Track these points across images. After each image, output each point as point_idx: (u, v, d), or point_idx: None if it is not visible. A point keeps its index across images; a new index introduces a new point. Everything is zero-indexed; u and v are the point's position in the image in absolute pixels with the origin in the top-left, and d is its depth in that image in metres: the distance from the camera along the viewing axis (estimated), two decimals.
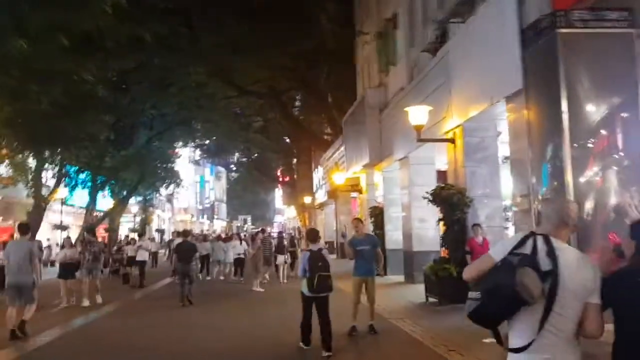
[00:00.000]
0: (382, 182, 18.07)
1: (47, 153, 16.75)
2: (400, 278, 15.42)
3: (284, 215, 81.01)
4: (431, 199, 11.02)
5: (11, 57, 9.26)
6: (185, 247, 13.49)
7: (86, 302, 12.78)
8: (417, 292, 12.17)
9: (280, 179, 50.41)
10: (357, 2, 21.59)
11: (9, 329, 8.73)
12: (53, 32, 9.46)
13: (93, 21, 9.99)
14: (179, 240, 23.17)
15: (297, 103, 31.56)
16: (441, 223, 11.18)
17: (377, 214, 17.87)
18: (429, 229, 14.70)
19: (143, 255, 17.81)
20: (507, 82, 8.68)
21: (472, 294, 2.48)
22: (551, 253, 2.46)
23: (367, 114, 17.67)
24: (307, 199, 35.84)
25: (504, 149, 11.16)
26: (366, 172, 19.60)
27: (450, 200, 10.48)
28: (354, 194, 25.01)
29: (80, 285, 13.13)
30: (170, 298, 13.49)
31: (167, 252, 24.26)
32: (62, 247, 13.12)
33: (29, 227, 9.82)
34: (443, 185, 11.03)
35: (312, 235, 7.91)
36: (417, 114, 10.85)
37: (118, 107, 26.49)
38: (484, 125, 10.63)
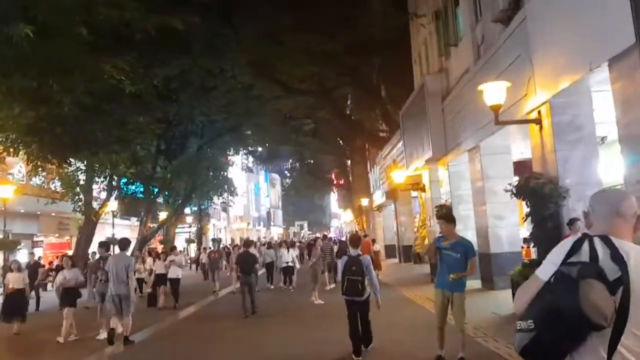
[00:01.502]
0: (447, 178, 16.35)
1: (72, 160, 15.79)
2: (476, 284, 13.68)
3: (341, 220, 79.62)
4: (515, 191, 9.29)
5: (25, 54, 8.30)
6: (247, 258, 13.40)
7: (103, 335, 10.33)
8: (500, 300, 10.61)
9: (335, 182, 49.03)
10: None
11: (124, 336, 9.68)
12: (69, 20, 8.48)
13: (115, 9, 8.97)
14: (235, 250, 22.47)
15: (348, 100, 30.02)
16: (528, 220, 9.44)
17: (437, 214, 16.15)
18: (506, 227, 13.01)
19: (176, 272, 15.57)
20: (611, 41, 6.94)
21: (521, 324, 2.04)
22: (616, 256, 2.02)
23: (427, 103, 16.01)
24: (364, 201, 34.27)
25: (599, 129, 9.37)
26: (429, 168, 17.90)
27: (541, 191, 8.73)
28: (415, 193, 23.34)
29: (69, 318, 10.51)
30: (214, 320, 12.41)
31: (226, 262, 23.34)
32: (60, 268, 11.02)
33: (129, 242, 10.86)
34: (529, 174, 9.27)
35: (354, 241, 8.19)
36: (494, 91, 9.17)
37: (167, 117, 26.00)
38: (575, 100, 8.85)
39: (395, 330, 9.36)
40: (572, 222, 8.38)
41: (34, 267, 16.86)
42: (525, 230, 14.18)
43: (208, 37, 19.83)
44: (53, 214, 27.66)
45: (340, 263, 7.77)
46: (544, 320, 2.02)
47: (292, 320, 11.99)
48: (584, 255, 2.11)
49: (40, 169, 14.43)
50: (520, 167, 13.38)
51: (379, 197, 31.45)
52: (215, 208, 47.33)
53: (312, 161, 45.52)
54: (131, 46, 12.11)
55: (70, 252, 23.40)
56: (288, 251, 18.63)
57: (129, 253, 10.97)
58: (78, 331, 10.74)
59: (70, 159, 14.74)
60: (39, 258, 18.06)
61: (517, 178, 10.06)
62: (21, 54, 8.46)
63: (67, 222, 28.57)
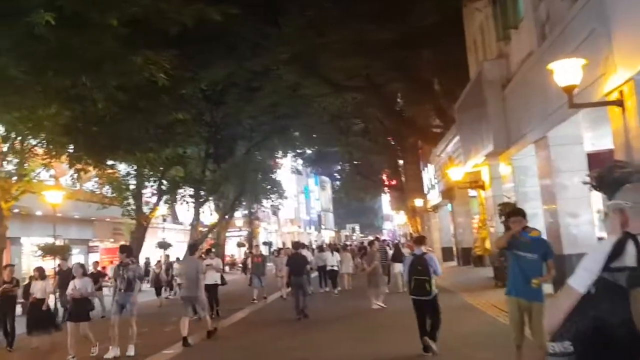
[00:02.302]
0: (510, 174, 15.07)
1: (112, 162, 15.44)
2: (547, 288, 12.40)
3: (393, 222, 78.13)
4: (595, 184, 8.08)
5: (52, 48, 7.84)
6: (297, 259, 13.39)
7: (113, 353, 9.29)
8: None
9: (387, 183, 47.80)
10: None
11: (182, 336, 9.97)
12: (98, 10, 7.97)
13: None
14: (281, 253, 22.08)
15: (399, 96, 28.83)
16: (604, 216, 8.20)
17: (509, 212, 14.90)
18: (580, 225, 11.67)
19: (213, 278, 14.07)
20: None
21: (555, 347, 1.71)
22: None
23: (486, 92, 14.80)
24: (418, 202, 32.98)
25: None
26: (489, 164, 16.64)
27: (627, 183, 7.50)
28: (473, 192, 22.02)
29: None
30: (259, 328, 11.70)
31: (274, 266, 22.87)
32: (72, 277, 10.02)
33: (196, 247, 11.70)
34: (612, 163, 8.02)
35: (418, 240, 8.49)
36: (567, 70, 8.02)
37: (214, 120, 25.80)
38: None
39: (462, 344, 8.41)
40: None
41: (96, 276, 16.47)
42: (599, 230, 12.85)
43: (253, 37, 19.36)
44: (107, 219, 27.94)
45: (405, 263, 7.87)
46: (586, 340, 1.73)
47: (347, 327, 11.17)
48: (629, 258, 1.85)
49: (82, 172, 14.17)
50: (595, 159, 12.01)
51: (434, 197, 30.16)
52: (265, 211, 47.11)
53: (361, 162, 44.48)
54: (170, 43, 11.62)
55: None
56: (332, 254, 18.32)
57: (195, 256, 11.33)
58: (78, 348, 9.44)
59: (107, 160, 14.39)
60: (97, 265, 17.77)
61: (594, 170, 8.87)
62: (49, 49, 8.03)
63: (121, 227, 28.82)
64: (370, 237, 65.86)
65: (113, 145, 12.19)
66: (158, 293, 17.50)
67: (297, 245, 15.81)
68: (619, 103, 8.10)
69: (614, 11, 7.99)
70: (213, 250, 17.16)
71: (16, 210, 19.23)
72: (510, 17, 13.80)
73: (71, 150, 11.75)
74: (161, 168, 20.72)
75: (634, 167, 7.34)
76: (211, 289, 13.66)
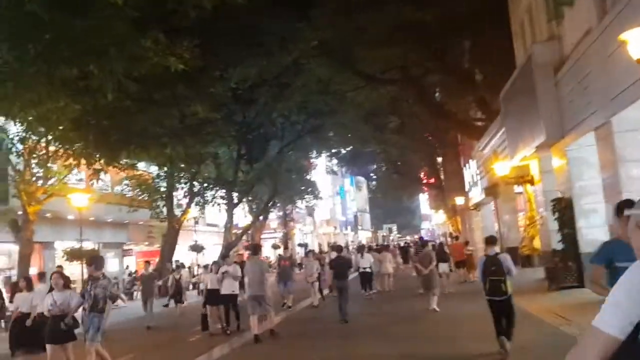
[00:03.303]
0: (565, 166, 13.75)
1: (124, 157, 14.56)
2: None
3: (432, 221, 76.34)
4: None
5: (43, 24, 7.03)
6: (340, 262, 13.32)
7: None
8: None
9: (425, 181, 46.36)
10: None
11: (253, 334, 10.29)
12: None
13: None
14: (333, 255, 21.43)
15: (437, 90, 27.47)
16: None
17: (563, 207, 13.60)
18: None
19: (231, 287, 12.12)
20: None
21: None
22: None
23: (536, 78, 13.51)
24: (459, 200, 31.56)
25: None
26: (539, 157, 15.30)
27: None
28: (519, 189, 20.61)
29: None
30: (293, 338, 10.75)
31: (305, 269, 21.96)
32: (50, 289, 8.45)
33: (259, 248, 12.13)
34: None
35: (490, 239, 8.18)
36: None
37: (245, 120, 25.10)
38: None
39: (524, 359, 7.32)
40: None
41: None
42: None
43: (280, 30, 18.52)
44: (141, 223, 27.63)
45: (479, 263, 7.87)
46: None
47: (392, 338, 10.16)
48: None
49: (100, 172, 13.49)
50: None
51: (476, 195, 28.68)
52: (299, 212, 46.34)
53: (398, 161, 43.18)
54: (192, 33, 10.82)
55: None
56: (362, 257, 17.66)
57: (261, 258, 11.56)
58: None
59: (120, 157, 13.62)
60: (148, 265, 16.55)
61: None
62: (51, 36, 7.29)
63: (155, 231, 28.50)
64: (409, 238, 64.62)
65: (125, 140, 11.36)
66: (178, 300, 15.82)
67: (339, 248, 15.60)
68: None
69: None
70: (231, 254, 15.59)
71: (48, 215, 18.96)
72: None
73: (79, 145, 10.97)
74: (192, 170, 20.10)
75: None
76: (229, 300, 12.18)
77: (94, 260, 8.33)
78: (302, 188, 38.24)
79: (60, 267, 12.63)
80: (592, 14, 11.13)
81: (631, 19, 8.69)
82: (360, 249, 18.27)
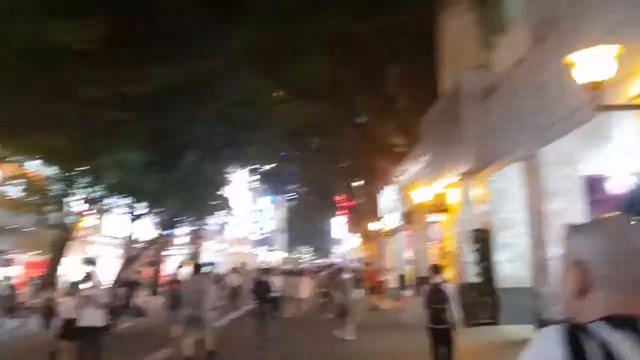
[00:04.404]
0: (485, 197, 13.44)
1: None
2: (526, 330, 10.63)
3: (346, 246, 76.35)
4: (625, 206, 6.36)
5: None
6: (260, 286, 13.11)
7: None
8: None
9: (343, 205, 46.02)
10: None
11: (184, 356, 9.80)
12: None
13: None
14: (234, 276, 20.24)
15: (362, 112, 27.10)
16: None
17: (482, 239, 13.23)
18: None
19: (93, 318, 8.96)
20: None
21: None
22: None
23: (464, 105, 13.18)
24: (375, 225, 31.25)
25: None
26: (460, 185, 14.98)
27: None
28: (433, 217, 20.36)
29: None
30: None
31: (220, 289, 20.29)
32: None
33: (201, 266, 11.44)
34: None
35: (435, 268, 8.21)
36: (595, 61, 6.31)
37: (160, 127, 23.39)
38: None
39: None
40: None
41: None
42: None
43: (203, 32, 17.28)
44: (31, 229, 24.87)
45: (422, 292, 8.10)
46: None
47: None
48: None
49: None
50: (593, 184, 10.44)
51: (392, 221, 28.43)
52: (212, 229, 44.49)
53: (319, 182, 42.60)
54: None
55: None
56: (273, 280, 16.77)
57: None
58: None
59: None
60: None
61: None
62: None
63: (45, 239, 25.76)
64: (322, 261, 64.01)
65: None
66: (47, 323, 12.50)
67: (264, 271, 15.42)
68: None
69: None
70: (89, 271, 9.85)
71: None
72: (497, 20, 12.28)
73: None
74: (91, 173, 18.05)
75: None
76: (90, 334, 8.87)
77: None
78: (216, 203, 36.83)
79: None
80: (524, 42, 10.86)
81: (564, 49, 8.31)
82: (266, 271, 16.72)
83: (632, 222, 1.32)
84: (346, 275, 14.92)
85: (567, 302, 1.30)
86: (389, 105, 22.12)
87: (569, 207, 9.73)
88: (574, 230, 1.34)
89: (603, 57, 6.20)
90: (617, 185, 11.74)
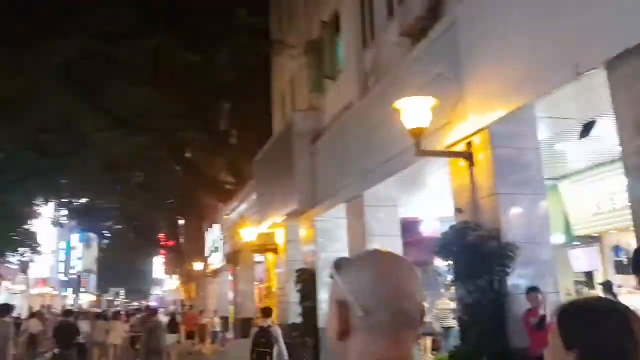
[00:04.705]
0: (312, 237, 13.61)
1: None
2: None
3: (164, 287, 72.60)
4: (440, 250, 6.75)
5: None
6: (65, 328, 10.82)
7: None
8: None
9: (163, 244, 43.81)
10: (273, 9, 17.57)
11: None
12: None
13: None
14: (34, 321, 18.39)
15: (190, 146, 26.28)
16: (452, 289, 6.95)
17: (307, 279, 13.29)
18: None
19: None
20: (609, 35, 4.94)
21: None
22: None
23: (294, 146, 13.36)
24: (198, 266, 30.15)
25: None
26: (286, 226, 15.07)
27: (482, 249, 6.25)
28: (260, 258, 20.26)
29: None
30: None
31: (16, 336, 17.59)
32: None
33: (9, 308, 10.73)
34: (463, 223, 6.75)
35: (265, 311, 8.47)
36: (415, 109, 6.74)
37: None
38: (522, 130, 6.76)
39: None
40: (531, 291, 6.02)
41: None
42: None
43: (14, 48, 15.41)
44: None
45: (251, 334, 8.06)
46: None
47: None
48: None
49: None
50: (409, 226, 11.16)
51: (216, 261, 27.66)
52: (12, 268, 39.30)
53: (138, 219, 40.07)
54: None
55: None
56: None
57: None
58: None
59: None
60: None
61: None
62: None
63: None
64: (136, 304, 59.87)
65: None
66: None
67: (67, 312, 14.64)
68: (467, 155, 7.04)
69: (469, 53, 7.05)
70: None
71: None
72: (328, 67, 12.81)
73: None
74: None
75: (486, 231, 6.05)
76: None
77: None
78: (18, 239, 32.86)
79: None
80: (353, 90, 11.44)
81: (391, 97, 8.87)
82: (71, 314, 15.01)
83: (396, 257, 1.24)
84: (162, 318, 13.91)
85: (332, 343, 1.18)
86: (220, 142, 21.76)
87: (389, 248, 10.20)
88: (338, 266, 1.23)
89: (421, 107, 6.64)
90: (429, 228, 12.76)
